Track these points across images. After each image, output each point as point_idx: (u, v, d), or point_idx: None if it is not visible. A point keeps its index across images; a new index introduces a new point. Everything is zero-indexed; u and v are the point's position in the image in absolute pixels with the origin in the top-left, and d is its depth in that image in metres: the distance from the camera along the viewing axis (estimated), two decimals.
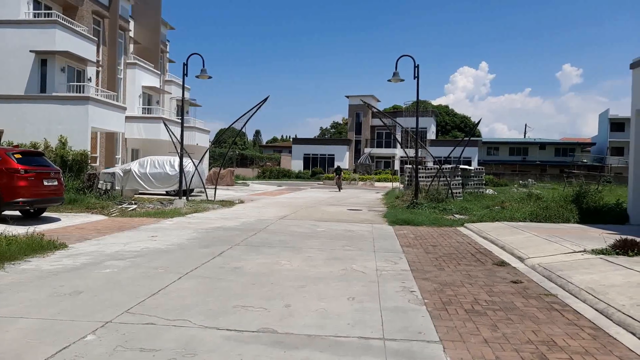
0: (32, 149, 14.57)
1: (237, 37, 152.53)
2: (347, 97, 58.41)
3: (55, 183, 11.63)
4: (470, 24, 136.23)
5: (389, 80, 17.03)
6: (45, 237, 8.01)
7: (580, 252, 7.78)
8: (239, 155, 58.66)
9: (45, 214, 12.34)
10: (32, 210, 11.75)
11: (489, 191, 23.51)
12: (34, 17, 22.47)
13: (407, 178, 23.86)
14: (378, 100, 59.01)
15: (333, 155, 56.70)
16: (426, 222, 12.64)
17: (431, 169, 21.96)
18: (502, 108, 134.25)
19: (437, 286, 6.06)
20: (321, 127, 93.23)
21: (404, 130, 24.93)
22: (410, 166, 22.75)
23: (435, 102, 73.46)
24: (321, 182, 42.36)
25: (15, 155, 10.89)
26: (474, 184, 22.02)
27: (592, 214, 12.93)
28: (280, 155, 66.09)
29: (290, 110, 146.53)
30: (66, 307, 4.86)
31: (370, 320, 4.66)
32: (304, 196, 24.63)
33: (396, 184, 30.07)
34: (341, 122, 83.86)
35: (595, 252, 7.63)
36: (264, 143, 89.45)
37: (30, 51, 21.54)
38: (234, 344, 3.97)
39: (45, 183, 11.24)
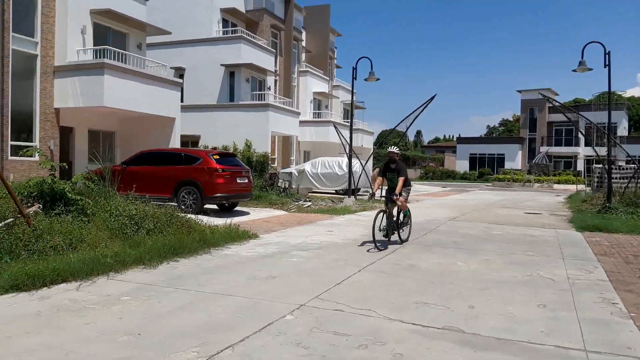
0: (226, 151, 16.60)
1: (399, 37, 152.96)
2: (519, 91, 54.27)
3: (246, 181, 13.09)
4: None
5: (574, 71, 15.35)
6: (240, 228, 9.06)
7: None
8: (401, 156, 58.67)
9: (236, 208, 13.94)
10: (227, 205, 13.39)
11: None
12: (223, 34, 25.60)
13: (596, 179, 21.24)
14: (556, 94, 53.51)
15: (503, 154, 53.14)
16: (623, 229, 11.06)
17: (625, 168, 19.19)
18: None
19: None
20: (488, 125, 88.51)
21: (591, 126, 22.18)
22: (600, 166, 20.19)
23: (626, 94, 63.88)
24: (490, 184, 40.01)
25: (214, 157, 12.55)
26: None
27: None
28: (444, 156, 64.22)
29: (451, 109, 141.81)
30: (265, 289, 5.44)
31: (567, 330, 4.27)
32: (472, 198, 23.58)
33: (581, 187, 26.89)
34: (511, 119, 78.33)
35: None
36: (425, 143, 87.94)
37: (221, 65, 24.56)
38: (420, 338, 4.00)
39: (238, 180, 12.71)
